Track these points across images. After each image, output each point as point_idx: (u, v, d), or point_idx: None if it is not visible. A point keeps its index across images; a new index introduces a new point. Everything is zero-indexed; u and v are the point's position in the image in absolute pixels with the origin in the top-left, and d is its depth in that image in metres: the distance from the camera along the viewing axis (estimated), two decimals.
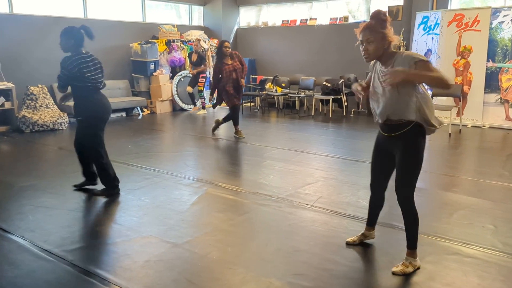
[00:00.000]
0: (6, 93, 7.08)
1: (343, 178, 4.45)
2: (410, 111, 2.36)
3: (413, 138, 2.42)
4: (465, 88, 7.57)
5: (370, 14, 2.43)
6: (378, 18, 2.39)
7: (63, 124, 7.33)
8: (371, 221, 2.89)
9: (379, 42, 2.36)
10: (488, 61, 7.44)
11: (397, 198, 2.51)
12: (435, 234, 3.04)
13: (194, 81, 9.38)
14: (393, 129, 2.45)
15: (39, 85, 7.71)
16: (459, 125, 7.21)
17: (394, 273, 2.50)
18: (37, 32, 7.93)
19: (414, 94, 2.36)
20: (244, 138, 6.42)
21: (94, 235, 3.06)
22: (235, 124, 6.57)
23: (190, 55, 9.70)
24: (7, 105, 7.10)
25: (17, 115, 7.14)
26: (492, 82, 7.45)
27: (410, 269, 2.52)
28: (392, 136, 2.47)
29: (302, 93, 9.39)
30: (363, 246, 2.89)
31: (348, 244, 2.91)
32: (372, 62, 2.57)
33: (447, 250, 2.82)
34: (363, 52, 2.41)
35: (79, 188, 4.08)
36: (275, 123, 8.25)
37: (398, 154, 2.48)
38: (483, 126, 7.45)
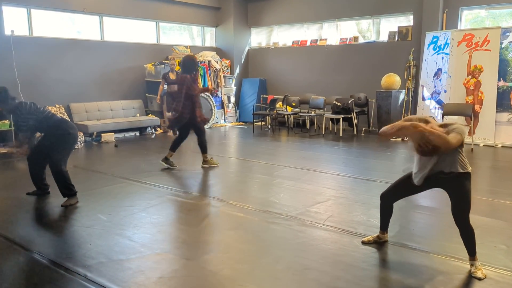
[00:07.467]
0: None
1: (354, 197, 4.47)
2: None
3: None
4: (477, 107, 7.58)
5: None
6: None
7: (79, 143, 7.50)
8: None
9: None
10: (499, 80, 7.46)
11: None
12: (445, 253, 3.04)
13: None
14: None
15: (57, 105, 7.95)
16: (471, 144, 7.18)
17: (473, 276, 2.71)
18: (54, 53, 8.21)
19: None
20: None
21: (110, 252, 3.13)
22: None
23: (164, 76, 8.66)
24: None
25: None
26: (503, 101, 7.45)
27: (479, 273, 2.71)
28: None
29: (313, 112, 9.47)
30: (374, 264, 2.90)
31: (364, 243, 3.24)
32: None
33: (458, 270, 2.82)
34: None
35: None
36: (285, 142, 8.32)
37: None
38: (496, 145, 7.41)
